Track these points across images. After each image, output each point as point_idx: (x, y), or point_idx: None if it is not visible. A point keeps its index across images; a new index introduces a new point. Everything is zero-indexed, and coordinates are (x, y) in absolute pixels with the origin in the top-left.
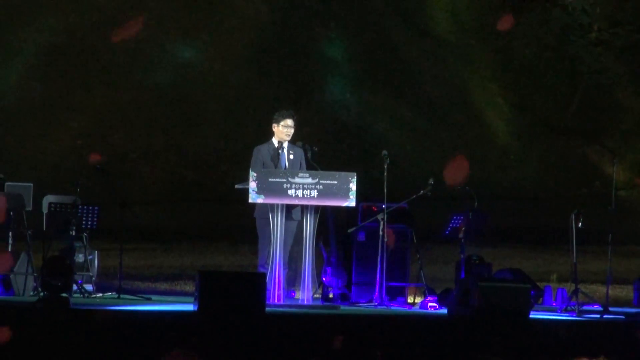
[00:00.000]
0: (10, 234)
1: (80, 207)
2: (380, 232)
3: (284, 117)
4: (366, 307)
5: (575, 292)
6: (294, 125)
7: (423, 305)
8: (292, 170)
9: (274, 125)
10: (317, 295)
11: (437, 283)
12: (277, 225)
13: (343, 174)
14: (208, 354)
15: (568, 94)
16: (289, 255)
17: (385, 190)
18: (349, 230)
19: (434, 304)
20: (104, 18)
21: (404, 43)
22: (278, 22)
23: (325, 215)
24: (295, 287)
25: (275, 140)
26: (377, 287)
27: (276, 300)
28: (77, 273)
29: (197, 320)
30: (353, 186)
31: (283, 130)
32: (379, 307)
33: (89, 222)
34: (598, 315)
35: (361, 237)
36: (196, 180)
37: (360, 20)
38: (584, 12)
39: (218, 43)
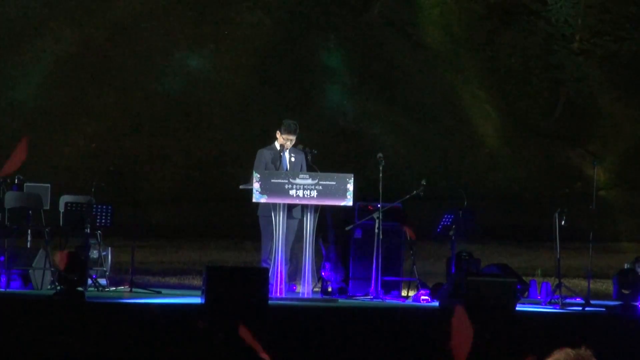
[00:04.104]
0: (29, 231)
1: (94, 206)
2: (376, 230)
3: (288, 132)
4: (363, 300)
5: (559, 286)
6: (296, 136)
7: (416, 298)
8: (293, 172)
9: (279, 132)
10: (316, 289)
11: (429, 277)
12: (279, 223)
13: (341, 175)
14: (214, 344)
15: (551, 100)
16: (290, 251)
17: (380, 191)
18: (347, 228)
19: (426, 297)
20: (117, 30)
21: (397, 53)
22: (280, 33)
23: (324, 214)
24: (296, 281)
25: (277, 144)
26: (373, 281)
27: (278, 294)
28: (92, 268)
29: (204, 312)
30: (350, 187)
31: (284, 141)
32: (374, 300)
33: (103, 221)
34: (580, 308)
35: (358, 235)
36: (203, 181)
37: (357, 31)
38: (566, 23)
39: (224, 52)
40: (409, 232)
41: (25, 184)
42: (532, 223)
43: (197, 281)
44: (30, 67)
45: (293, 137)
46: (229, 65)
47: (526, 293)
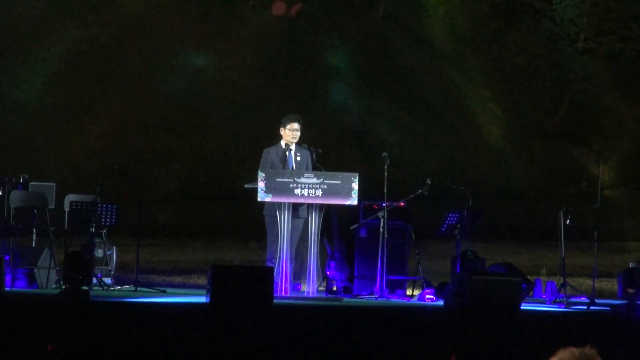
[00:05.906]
0: (34, 230)
1: (99, 205)
2: (381, 229)
3: (290, 121)
4: (368, 299)
5: (564, 285)
6: (300, 128)
7: (421, 297)
8: (299, 171)
9: (281, 128)
10: (321, 288)
11: (434, 277)
12: (284, 222)
13: (346, 174)
14: (220, 343)
15: (556, 99)
16: (295, 250)
17: (385, 190)
18: (352, 227)
19: (431, 296)
20: (123, 29)
21: (402, 52)
22: (285, 32)
23: (329, 213)
24: (301, 280)
25: (283, 143)
26: (378, 280)
27: (283, 293)
28: (97, 267)
29: (209, 311)
30: (355, 186)
31: (289, 133)
32: (379, 299)
33: (108, 220)
34: (585, 307)
35: (363, 234)
36: (208, 180)
37: (362, 30)
38: (571, 22)
39: (229, 52)
40: None
41: (30, 183)
42: (537, 222)
43: (202, 280)
44: (35, 66)
45: (297, 127)
46: (234, 64)
47: (531, 292)
